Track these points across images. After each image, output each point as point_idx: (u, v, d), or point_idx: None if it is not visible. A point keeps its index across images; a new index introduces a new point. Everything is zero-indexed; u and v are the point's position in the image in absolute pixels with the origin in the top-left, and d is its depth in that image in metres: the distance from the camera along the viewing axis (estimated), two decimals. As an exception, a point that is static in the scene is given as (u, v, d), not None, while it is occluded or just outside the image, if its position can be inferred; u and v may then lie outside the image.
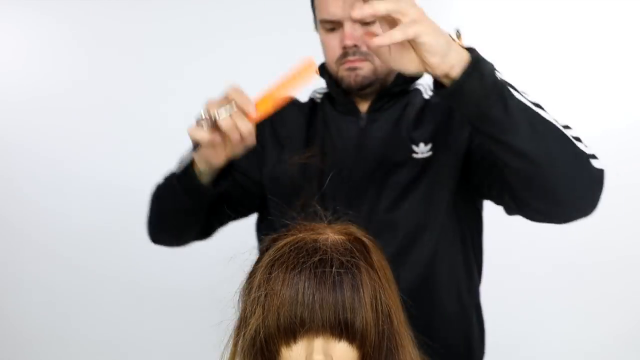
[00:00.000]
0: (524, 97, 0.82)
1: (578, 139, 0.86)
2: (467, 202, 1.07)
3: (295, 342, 0.65)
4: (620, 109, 1.84)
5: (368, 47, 0.94)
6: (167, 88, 1.97)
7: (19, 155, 2.00)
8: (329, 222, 0.74)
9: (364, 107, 1.08)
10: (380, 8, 0.74)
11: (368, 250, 0.69)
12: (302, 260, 0.65)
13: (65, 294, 2.01)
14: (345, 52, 1.01)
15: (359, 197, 1.04)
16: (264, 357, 0.67)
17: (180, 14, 1.96)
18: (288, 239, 0.69)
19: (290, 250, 0.66)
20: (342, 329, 0.64)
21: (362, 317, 0.64)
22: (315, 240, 0.67)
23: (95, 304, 2.01)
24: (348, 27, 0.98)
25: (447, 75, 0.78)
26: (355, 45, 0.99)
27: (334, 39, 1.02)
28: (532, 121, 0.80)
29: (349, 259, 0.66)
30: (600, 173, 0.85)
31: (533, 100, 0.84)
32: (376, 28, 0.94)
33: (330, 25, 1.02)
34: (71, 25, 1.98)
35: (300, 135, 1.12)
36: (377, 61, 1.00)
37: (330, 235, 0.69)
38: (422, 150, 1.03)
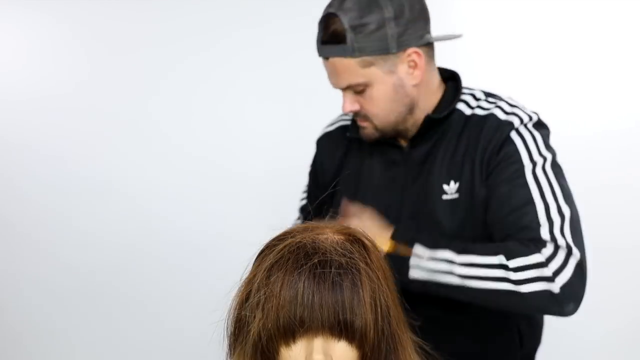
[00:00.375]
0: (451, 272, 0.96)
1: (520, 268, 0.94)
2: None
3: (294, 342, 0.65)
4: (622, 110, 1.84)
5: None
6: (167, 88, 1.97)
7: (19, 155, 2.00)
8: (328, 222, 0.74)
9: (402, 139, 1.14)
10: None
11: (367, 250, 0.69)
12: (302, 261, 0.65)
13: (65, 294, 2.01)
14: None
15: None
16: (264, 357, 0.67)
17: (181, 13, 1.96)
18: (287, 242, 0.69)
19: (290, 252, 0.67)
20: (342, 329, 0.64)
21: (362, 317, 0.64)
22: (315, 241, 0.67)
23: (94, 304, 2.02)
24: (344, 96, 1.07)
25: None
26: (353, 112, 1.08)
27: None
28: (462, 295, 0.98)
29: (348, 259, 0.66)
30: (548, 296, 0.93)
31: (465, 261, 0.96)
32: (368, 96, 1.03)
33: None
34: (71, 25, 1.98)
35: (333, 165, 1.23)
36: (377, 121, 1.08)
37: (330, 235, 0.69)
38: (451, 190, 1.06)
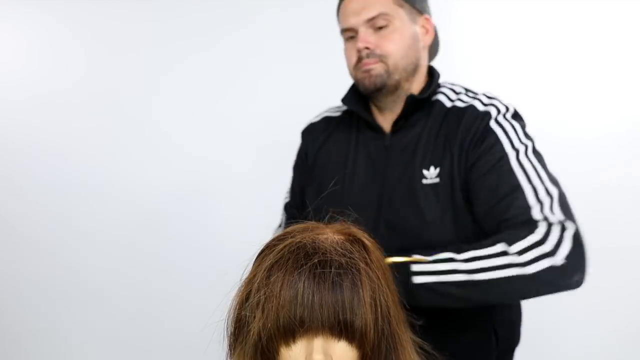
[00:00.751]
0: (455, 271, 0.94)
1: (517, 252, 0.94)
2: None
3: (294, 342, 0.65)
4: (622, 110, 1.84)
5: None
6: (166, 87, 1.97)
7: (18, 155, 2.00)
8: (328, 222, 0.74)
9: (387, 125, 1.16)
10: None
11: (367, 250, 0.69)
12: (302, 261, 0.65)
13: (65, 294, 2.01)
14: (360, 57, 1.11)
15: (378, 218, 1.11)
16: (264, 357, 0.67)
17: (180, 14, 1.96)
18: (287, 242, 0.68)
19: (290, 252, 0.66)
20: (342, 329, 0.64)
21: (362, 317, 0.64)
22: (315, 241, 0.67)
23: (94, 304, 2.01)
24: (362, 32, 1.10)
25: None
26: (368, 48, 1.09)
27: (352, 47, 1.13)
28: (471, 293, 0.94)
29: (348, 259, 0.66)
30: (547, 273, 0.94)
31: (464, 257, 0.94)
32: (389, 32, 1.09)
33: (349, 34, 1.13)
34: (71, 25, 1.98)
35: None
36: (391, 61, 1.10)
37: (330, 235, 0.69)
38: (431, 175, 1.08)
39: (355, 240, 0.70)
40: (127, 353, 2.02)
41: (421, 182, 1.08)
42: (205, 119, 1.97)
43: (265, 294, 0.65)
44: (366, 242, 0.70)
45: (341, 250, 0.66)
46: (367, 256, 0.68)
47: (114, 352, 2.02)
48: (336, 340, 0.65)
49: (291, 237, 0.69)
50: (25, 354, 2.05)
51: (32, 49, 1.99)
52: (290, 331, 0.64)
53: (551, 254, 0.94)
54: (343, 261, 0.65)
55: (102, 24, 1.97)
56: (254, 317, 0.66)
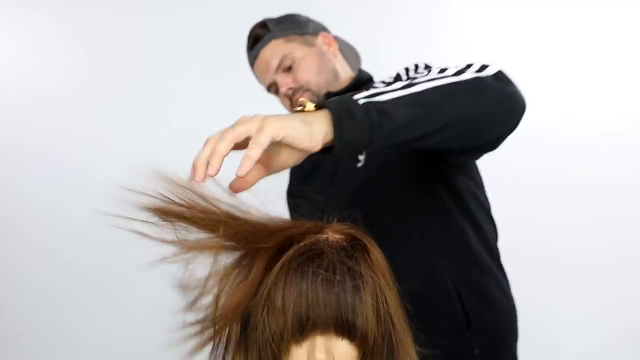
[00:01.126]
0: (393, 89, 0.80)
1: (460, 71, 0.89)
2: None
3: (297, 341, 0.65)
4: (621, 109, 1.84)
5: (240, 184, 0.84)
6: (167, 88, 1.97)
7: (18, 155, 2.00)
8: (329, 222, 0.74)
9: None
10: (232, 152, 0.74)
11: (368, 250, 0.69)
12: (304, 261, 0.65)
13: (65, 294, 2.01)
14: (290, 98, 1.23)
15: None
16: (267, 357, 0.67)
17: (180, 14, 1.96)
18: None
19: (293, 253, 0.67)
20: (344, 328, 0.64)
21: (364, 317, 0.64)
22: (317, 242, 0.68)
23: (95, 304, 2.02)
24: (278, 80, 1.24)
25: (328, 143, 0.75)
26: (291, 88, 1.22)
27: (282, 96, 1.26)
28: (420, 105, 0.79)
29: (349, 259, 0.66)
30: (494, 81, 0.89)
31: (403, 84, 0.82)
32: (297, 66, 1.21)
33: (273, 89, 1.28)
34: (71, 25, 1.98)
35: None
36: (312, 84, 1.21)
37: (330, 235, 0.70)
38: (361, 158, 1.13)
39: (356, 241, 0.70)
40: (127, 353, 2.02)
41: (356, 166, 1.13)
42: (207, 118, 1.97)
43: (268, 295, 0.66)
44: (367, 242, 0.71)
45: (343, 251, 0.67)
46: (368, 257, 0.68)
47: (114, 352, 2.02)
48: (338, 340, 0.65)
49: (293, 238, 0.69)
50: (25, 353, 2.05)
51: (32, 49, 1.99)
52: (292, 332, 0.64)
53: (484, 67, 0.92)
54: (345, 262, 0.66)
55: (102, 24, 1.97)
56: (257, 318, 0.66)
